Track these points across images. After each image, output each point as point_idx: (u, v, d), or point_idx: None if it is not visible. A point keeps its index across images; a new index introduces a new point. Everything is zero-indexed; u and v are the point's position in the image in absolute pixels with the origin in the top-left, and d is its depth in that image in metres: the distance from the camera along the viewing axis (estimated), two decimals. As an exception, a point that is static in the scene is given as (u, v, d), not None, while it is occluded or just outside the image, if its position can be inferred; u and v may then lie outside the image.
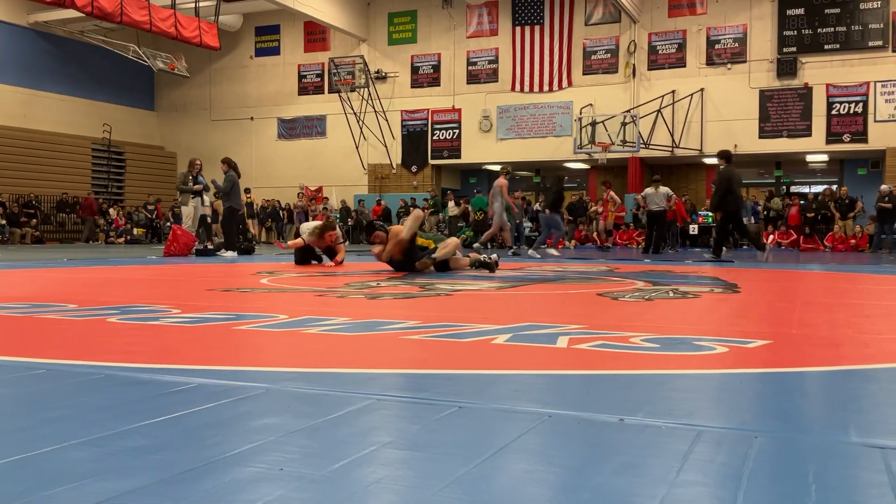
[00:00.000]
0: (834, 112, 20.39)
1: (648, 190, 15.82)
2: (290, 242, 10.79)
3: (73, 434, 1.80)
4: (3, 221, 21.38)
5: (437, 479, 1.48)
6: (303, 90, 26.41)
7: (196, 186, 13.78)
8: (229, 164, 13.71)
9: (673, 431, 1.85)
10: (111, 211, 24.42)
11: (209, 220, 15.12)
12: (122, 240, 23.32)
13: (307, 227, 10.21)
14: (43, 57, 24.39)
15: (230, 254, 13.32)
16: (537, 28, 23.12)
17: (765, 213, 20.99)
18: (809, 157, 22.14)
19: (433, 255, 8.11)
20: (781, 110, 20.87)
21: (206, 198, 14.09)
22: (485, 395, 2.27)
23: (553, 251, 15.15)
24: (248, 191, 24.24)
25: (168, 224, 21.11)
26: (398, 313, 4.40)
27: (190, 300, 5.24)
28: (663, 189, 15.73)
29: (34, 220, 22.34)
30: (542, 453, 1.69)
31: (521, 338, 3.36)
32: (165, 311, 4.42)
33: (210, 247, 13.69)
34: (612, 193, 17.92)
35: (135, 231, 24.13)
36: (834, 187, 21.24)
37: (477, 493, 1.41)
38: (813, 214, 19.77)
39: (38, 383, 2.41)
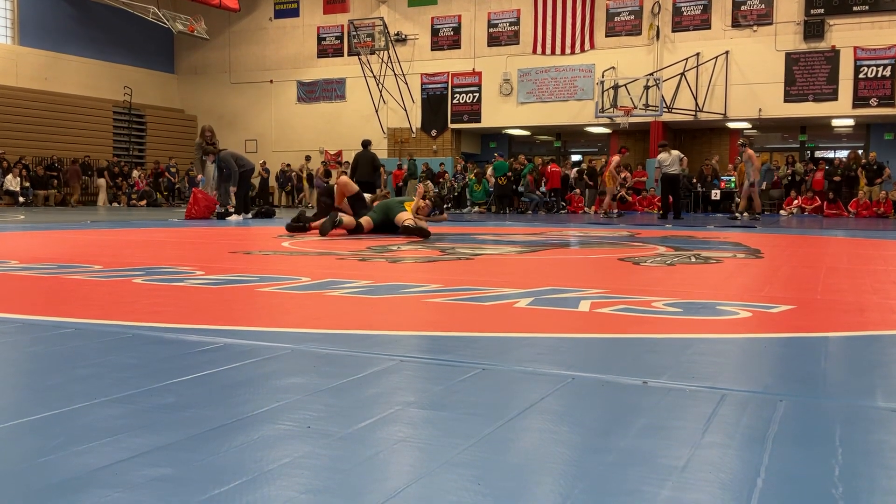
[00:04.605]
0: (861, 75, 19.98)
1: (662, 155, 15.69)
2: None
3: (103, 391, 1.83)
4: (27, 184, 21.57)
5: (462, 439, 1.49)
6: (322, 53, 26.23)
7: (209, 158, 13.78)
8: (214, 154, 13.56)
9: (697, 394, 1.86)
10: (134, 173, 24.55)
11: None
12: (143, 202, 23.48)
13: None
14: (64, 19, 24.37)
15: (235, 218, 13.22)
16: (560, -11, 22.75)
17: (788, 178, 20.70)
18: (835, 122, 21.77)
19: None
20: (808, 74, 20.48)
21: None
22: (508, 357, 2.29)
23: None
24: (263, 162, 24.33)
25: (188, 187, 21.22)
26: (420, 276, 4.41)
27: (213, 262, 5.28)
28: (674, 152, 15.59)
29: (56, 182, 22.53)
30: (567, 415, 1.70)
31: (543, 301, 3.37)
32: (189, 272, 4.47)
33: (231, 210, 13.77)
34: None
35: (155, 195, 24.28)
36: (860, 151, 20.89)
37: (502, 452, 1.43)
38: (839, 178, 19.46)
39: (67, 342, 2.45)
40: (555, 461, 1.39)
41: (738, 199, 20.22)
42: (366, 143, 15.49)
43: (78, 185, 22.96)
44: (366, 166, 14.86)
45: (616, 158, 17.36)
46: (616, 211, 17.20)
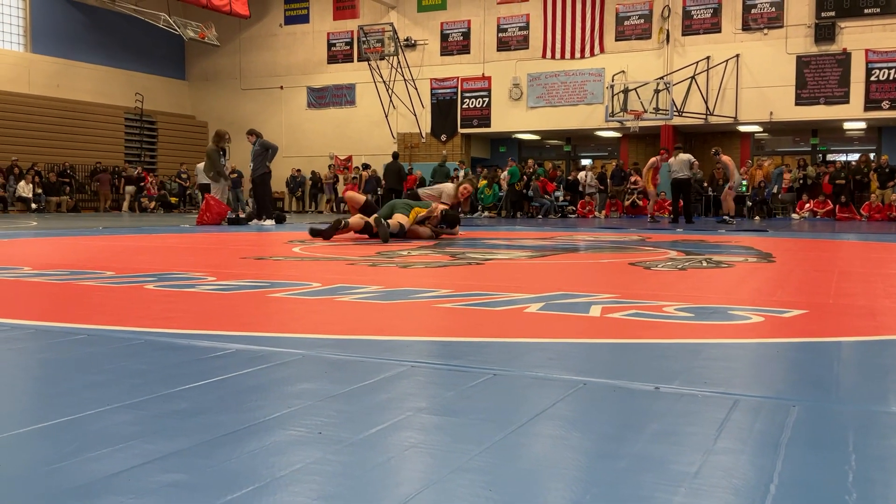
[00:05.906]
0: (873, 78, 19.89)
1: (670, 160, 15.73)
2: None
3: (116, 397, 1.84)
4: (40, 190, 21.71)
5: (473, 445, 1.49)
6: (332, 59, 26.33)
7: (228, 171, 13.96)
8: (256, 134, 13.79)
9: (709, 400, 1.85)
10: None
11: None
12: (153, 204, 23.60)
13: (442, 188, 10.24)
14: (75, 27, 24.55)
15: (269, 222, 13.35)
16: (569, -7, 22.76)
17: (800, 181, 20.59)
18: (847, 125, 21.68)
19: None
20: (819, 77, 20.40)
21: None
22: (519, 362, 2.28)
23: None
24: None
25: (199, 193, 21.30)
26: (430, 282, 4.41)
27: (224, 268, 5.30)
28: (683, 156, 15.58)
29: (68, 189, 22.67)
30: (578, 421, 1.69)
31: (554, 307, 3.36)
32: (201, 278, 4.48)
33: (242, 216, 13.82)
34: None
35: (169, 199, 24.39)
36: (872, 155, 20.79)
37: (513, 458, 1.42)
38: (843, 182, 19.38)
39: (79, 348, 2.46)
40: (566, 467, 1.39)
41: (748, 204, 20.18)
42: (395, 155, 18.74)
43: (108, 193, 23.81)
44: (392, 175, 17.81)
45: (654, 160, 17.36)
46: (658, 214, 17.27)
